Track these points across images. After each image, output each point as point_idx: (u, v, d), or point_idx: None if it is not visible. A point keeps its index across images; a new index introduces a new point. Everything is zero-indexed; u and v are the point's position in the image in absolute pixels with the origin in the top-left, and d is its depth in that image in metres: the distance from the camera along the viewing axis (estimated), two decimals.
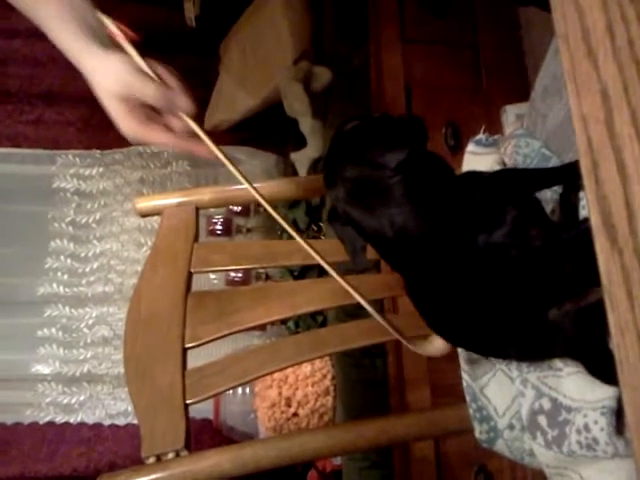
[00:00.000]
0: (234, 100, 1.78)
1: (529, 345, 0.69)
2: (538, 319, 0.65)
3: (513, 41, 1.71)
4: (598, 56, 0.37)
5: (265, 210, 0.78)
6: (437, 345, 0.79)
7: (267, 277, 1.69)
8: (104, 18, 0.71)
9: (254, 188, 0.77)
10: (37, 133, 1.86)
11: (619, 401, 0.64)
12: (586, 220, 0.69)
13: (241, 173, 0.76)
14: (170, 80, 0.70)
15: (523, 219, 0.65)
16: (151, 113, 0.71)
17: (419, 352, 0.80)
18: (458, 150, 1.54)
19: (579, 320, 0.63)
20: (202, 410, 1.58)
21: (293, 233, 0.77)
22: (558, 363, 0.71)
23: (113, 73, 0.68)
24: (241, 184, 0.77)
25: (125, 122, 0.69)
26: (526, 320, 0.66)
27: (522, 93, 1.49)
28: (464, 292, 0.67)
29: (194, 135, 0.72)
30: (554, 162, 0.81)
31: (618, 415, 0.64)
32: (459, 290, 0.67)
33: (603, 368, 0.67)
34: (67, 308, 1.78)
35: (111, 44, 0.70)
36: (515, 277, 0.65)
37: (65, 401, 1.70)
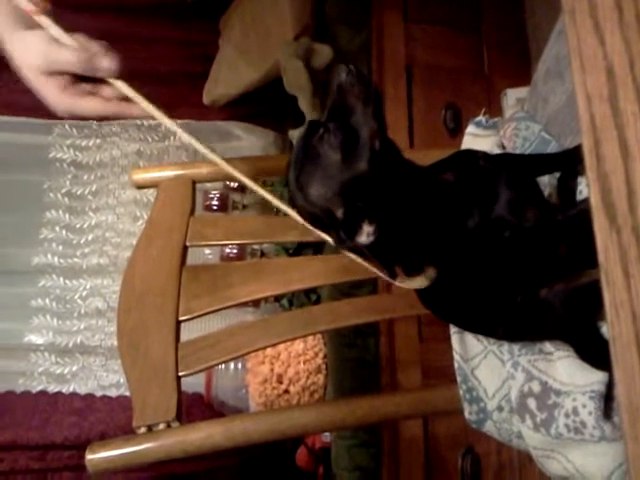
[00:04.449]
0: (234, 75, 1.76)
1: (518, 324, 0.70)
2: (529, 298, 0.65)
3: (517, 24, 1.70)
4: (605, 32, 0.37)
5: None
6: None
7: (262, 254, 1.69)
8: None
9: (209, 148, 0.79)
10: (34, 102, 1.82)
11: (608, 385, 0.65)
12: (582, 202, 0.69)
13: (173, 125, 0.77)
14: (89, 44, 0.69)
15: (520, 200, 0.65)
16: (80, 83, 0.70)
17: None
18: (458, 132, 1.53)
19: (569, 301, 0.64)
20: (194, 384, 1.58)
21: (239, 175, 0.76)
22: (549, 347, 0.71)
23: (31, 49, 0.67)
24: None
25: (51, 94, 0.69)
26: (516, 298, 0.66)
27: (524, 77, 1.48)
28: (455, 268, 0.67)
29: (128, 100, 0.71)
30: (553, 146, 0.81)
31: (606, 399, 0.65)
32: (450, 266, 0.67)
33: (592, 352, 0.67)
34: (61, 279, 1.77)
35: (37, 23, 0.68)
36: (506, 256, 0.65)
37: (58, 371, 1.70)
